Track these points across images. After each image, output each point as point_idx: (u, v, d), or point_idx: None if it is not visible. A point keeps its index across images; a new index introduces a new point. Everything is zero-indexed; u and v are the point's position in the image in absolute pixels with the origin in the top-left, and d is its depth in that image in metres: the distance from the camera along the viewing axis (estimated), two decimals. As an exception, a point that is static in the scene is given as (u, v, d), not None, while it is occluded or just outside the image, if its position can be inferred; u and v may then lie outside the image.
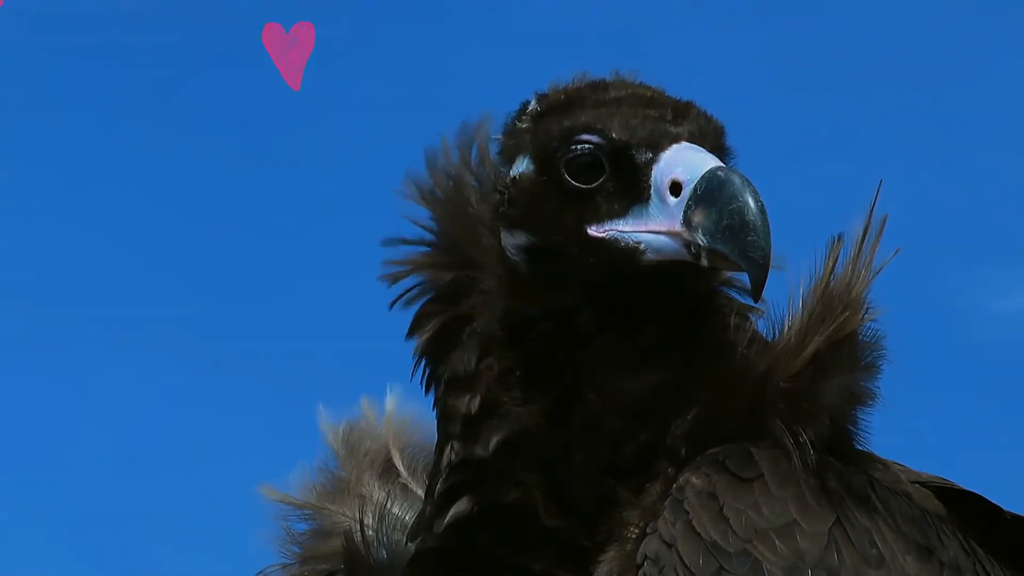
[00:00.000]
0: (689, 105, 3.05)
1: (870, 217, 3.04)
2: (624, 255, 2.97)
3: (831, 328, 2.98)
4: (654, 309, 3.00)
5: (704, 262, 2.91)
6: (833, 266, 3.02)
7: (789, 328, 3.01)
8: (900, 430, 3.21)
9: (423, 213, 3.22)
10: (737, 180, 2.89)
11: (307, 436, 3.49)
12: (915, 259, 3.08)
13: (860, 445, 3.07)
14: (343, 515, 3.35)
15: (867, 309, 3.00)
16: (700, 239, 2.90)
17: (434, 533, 3.06)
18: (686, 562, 2.80)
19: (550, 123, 3.07)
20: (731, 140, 3.12)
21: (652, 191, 2.97)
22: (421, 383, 3.19)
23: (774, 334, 3.04)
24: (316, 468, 3.43)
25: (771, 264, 2.86)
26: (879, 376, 3.04)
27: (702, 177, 2.91)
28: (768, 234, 2.86)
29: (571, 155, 3.02)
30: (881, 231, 3.03)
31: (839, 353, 2.99)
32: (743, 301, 3.12)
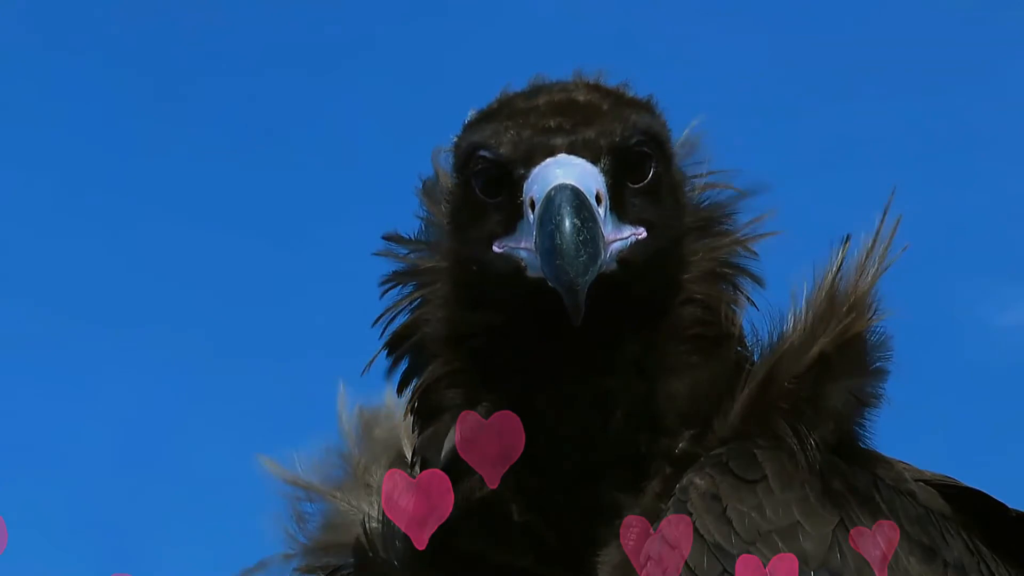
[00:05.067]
0: (592, 109, 2.98)
1: (882, 220, 3.03)
2: (514, 271, 2.93)
3: (837, 329, 2.97)
4: (591, 317, 2.86)
5: (550, 283, 2.84)
6: (839, 268, 3.01)
7: (793, 329, 3.01)
8: (898, 441, 3.21)
9: (425, 212, 3.23)
10: (559, 200, 2.82)
11: (308, 435, 3.47)
12: (916, 270, 3.07)
13: (865, 444, 3.07)
14: (350, 505, 3.33)
15: (875, 310, 3.00)
16: (534, 260, 2.87)
17: None
18: (689, 563, 2.79)
19: (467, 135, 3.06)
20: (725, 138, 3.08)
21: (525, 207, 2.91)
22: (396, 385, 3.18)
23: (779, 334, 3.02)
24: (325, 448, 3.40)
25: (582, 287, 2.77)
26: (886, 378, 3.04)
27: (544, 196, 2.85)
28: (577, 258, 2.78)
29: (475, 170, 3.00)
30: (893, 234, 3.02)
31: (846, 355, 2.98)
32: (741, 298, 3.11)
